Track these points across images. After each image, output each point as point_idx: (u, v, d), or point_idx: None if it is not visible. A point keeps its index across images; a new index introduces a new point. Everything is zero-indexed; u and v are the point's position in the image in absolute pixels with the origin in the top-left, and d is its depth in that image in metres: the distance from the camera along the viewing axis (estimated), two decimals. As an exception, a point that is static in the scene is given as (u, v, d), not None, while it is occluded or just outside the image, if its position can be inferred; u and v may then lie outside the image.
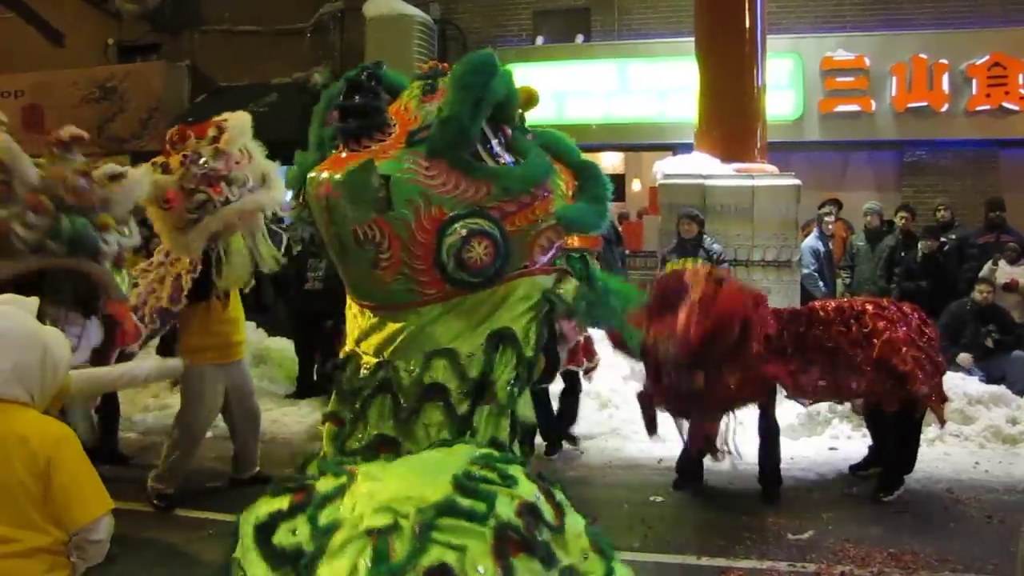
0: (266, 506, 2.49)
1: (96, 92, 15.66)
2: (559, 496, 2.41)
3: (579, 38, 13.79)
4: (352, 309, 2.98)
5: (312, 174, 2.81)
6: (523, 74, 13.47)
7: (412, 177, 2.68)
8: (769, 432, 6.83)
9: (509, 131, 2.90)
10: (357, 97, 2.87)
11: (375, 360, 2.81)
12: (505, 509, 2.22)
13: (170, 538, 6.03)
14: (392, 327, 2.79)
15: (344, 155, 2.79)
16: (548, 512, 2.32)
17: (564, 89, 13.37)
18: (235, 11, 15.33)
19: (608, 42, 13.60)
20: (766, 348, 6.30)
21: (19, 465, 2.82)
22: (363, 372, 2.81)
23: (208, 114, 14.52)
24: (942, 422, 7.06)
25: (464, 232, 2.71)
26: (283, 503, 2.46)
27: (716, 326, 5.93)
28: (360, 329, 2.90)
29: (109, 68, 16.03)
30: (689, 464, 6.96)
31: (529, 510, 2.26)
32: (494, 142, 2.84)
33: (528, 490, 2.33)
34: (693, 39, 9.83)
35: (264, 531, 2.46)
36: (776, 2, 11.61)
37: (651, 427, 6.81)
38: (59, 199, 5.22)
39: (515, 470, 2.38)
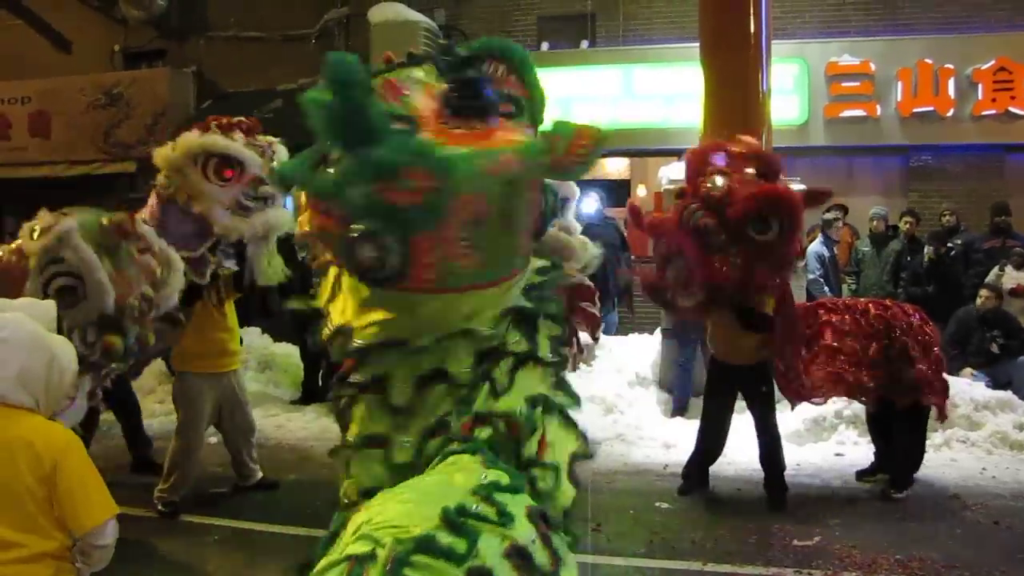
0: None
1: (102, 98, 15.70)
2: (557, 542, 2.37)
3: (584, 44, 13.80)
4: (349, 291, 2.84)
5: (462, 151, 2.60)
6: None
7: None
8: (770, 438, 6.81)
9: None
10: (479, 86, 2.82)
11: (382, 336, 2.74)
12: (491, 550, 2.17)
13: (174, 544, 6.03)
14: (435, 306, 2.69)
15: (480, 128, 2.73)
16: (542, 558, 2.28)
17: (569, 95, 13.36)
18: (241, 17, 15.36)
19: (613, 48, 13.60)
20: None
21: (25, 469, 2.84)
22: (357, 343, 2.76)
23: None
24: (943, 417, 7.04)
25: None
26: None
27: (761, 203, 5.97)
28: (367, 309, 2.77)
29: (115, 74, 16.05)
30: (695, 470, 6.97)
31: (519, 554, 2.21)
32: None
33: (524, 532, 2.28)
34: (698, 44, 9.81)
35: None
36: (781, 7, 11.59)
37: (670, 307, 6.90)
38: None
39: (516, 506, 2.33)
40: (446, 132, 2.71)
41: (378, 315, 2.75)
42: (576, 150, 2.60)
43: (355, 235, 2.53)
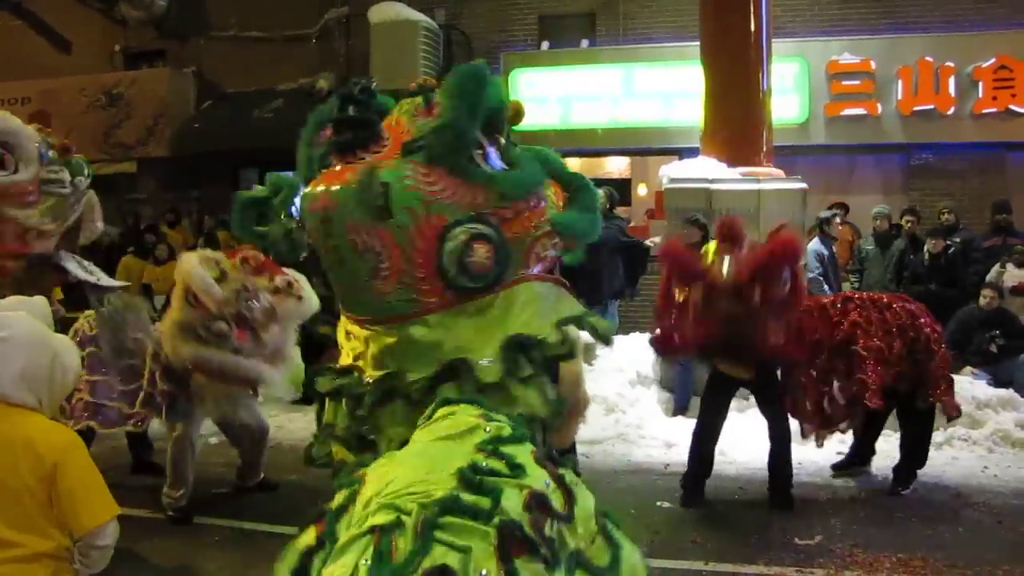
0: (295, 549, 2.46)
1: (103, 99, 15.72)
2: (569, 478, 2.38)
3: (584, 43, 13.79)
4: (344, 327, 3.00)
5: (307, 190, 2.84)
6: (528, 79, 13.56)
7: (411, 184, 2.71)
8: (781, 436, 6.78)
9: (502, 140, 2.93)
10: (350, 110, 2.87)
11: (379, 373, 2.82)
12: (512, 503, 2.18)
13: (175, 545, 6.03)
14: (391, 339, 2.81)
15: (339, 168, 2.81)
16: (558, 500, 2.29)
17: (569, 94, 13.38)
18: (241, 17, 15.35)
19: (613, 47, 13.59)
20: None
21: (25, 469, 2.84)
22: (366, 384, 2.83)
23: (214, 120, 14.57)
24: (954, 411, 6.92)
25: (464, 237, 2.74)
26: (310, 538, 2.44)
27: (766, 263, 6.05)
28: (355, 347, 2.92)
29: (116, 75, 16.08)
30: (692, 483, 6.86)
31: (538, 501, 2.22)
32: (490, 150, 2.86)
33: (537, 478, 2.28)
34: (698, 43, 9.82)
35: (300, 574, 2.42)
36: (781, 6, 11.58)
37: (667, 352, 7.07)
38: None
39: (523, 455, 2.33)
40: (328, 171, 2.89)
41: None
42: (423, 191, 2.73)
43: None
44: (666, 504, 6.76)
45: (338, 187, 2.75)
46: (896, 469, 7.15)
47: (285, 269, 6.10)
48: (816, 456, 7.84)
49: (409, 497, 2.19)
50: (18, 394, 2.93)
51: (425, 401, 2.71)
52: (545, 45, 13.94)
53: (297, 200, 3.00)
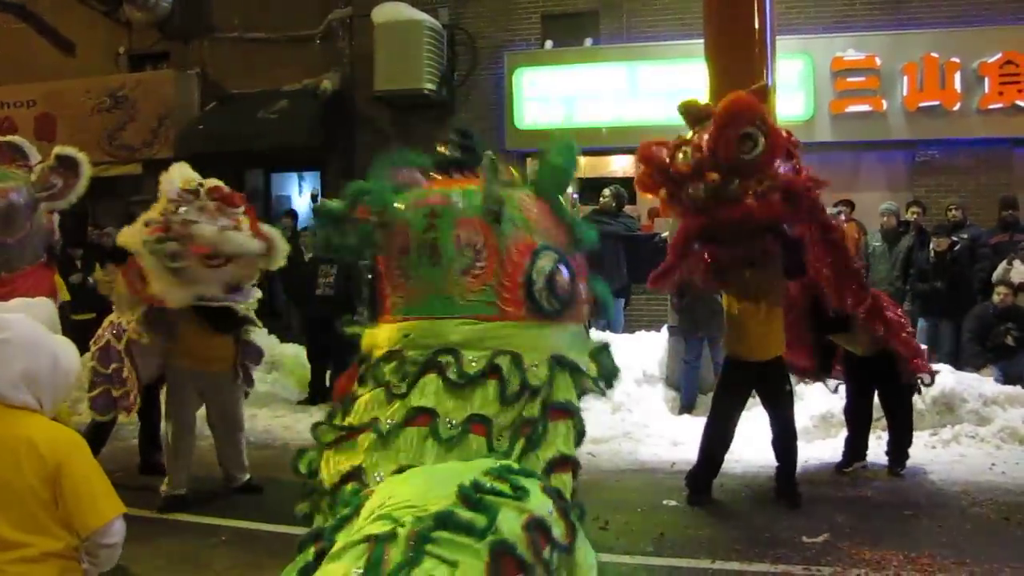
0: (295, 567, 2.47)
1: (107, 101, 15.73)
2: (573, 517, 2.39)
3: (588, 41, 13.76)
4: (383, 332, 3.25)
5: (410, 192, 3.32)
6: (532, 78, 13.54)
7: (519, 206, 3.20)
8: (786, 433, 6.79)
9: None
10: (467, 140, 3.51)
11: (429, 351, 3.05)
12: (510, 524, 2.17)
13: (180, 544, 6.03)
14: (455, 328, 3.08)
15: (446, 180, 3.37)
16: (559, 530, 2.29)
17: (573, 93, 13.36)
18: (244, 18, 15.35)
19: (617, 45, 13.55)
20: None
21: (28, 470, 2.83)
22: (411, 362, 3.06)
23: (219, 121, 14.60)
24: (927, 375, 7.41)
25: (555, 259, 3.17)
26: (309, 555, 2.45)
27: (726, 118, 6.03)
28: (404, 333, 3.15)
29: (120, 77, 16.08)
30: (698, 482, 6.85)
31: (537, 525, 2.22)
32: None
33: (540, 504, 2.29)
34: (702, 41, 9.78)
35: None
36: (786, 3, 11.55)
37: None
38: None
39: (531, 483, 2.35)
40: (434, 181, 3.44)
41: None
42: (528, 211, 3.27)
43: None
44: (672, 502, 6.76)
45: (450, 191, 3.26)
46: (888, 452, 7.50)
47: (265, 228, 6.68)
48: (823, 454, 7.85)
49: (407, 509, 2.20)
50: (18, 395, 2.93)
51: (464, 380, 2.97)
52: (549, 44, 13.91)
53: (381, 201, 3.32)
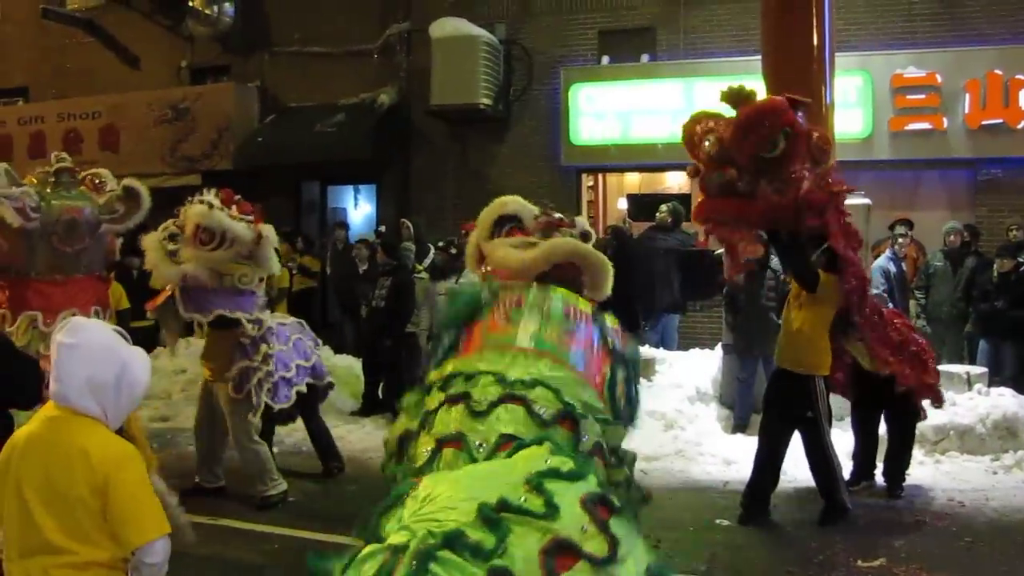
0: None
1: (169, 113, 16.01)
2: (617, 527, 2.34)
3: (645, 57, 13.74)
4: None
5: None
6: (588, 94, 13.54)
7: None
8: (813, 453, 6.68)
9: None
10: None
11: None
12: (525, 547, 2.16)
13: (234, 552, 6.10)
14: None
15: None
16: (595, 545, 2.25)
17: (629, 109, 13.33)
18: (304, 33, 15.56)
19: (674, 61, 13.51)
20: None
21: (80, 479, 2.86)
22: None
23: (277, 134, 14.82)
24: (938, 400, 7.50)
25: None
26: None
27: (746, 121, 6.08)
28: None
29: (182, 90, 16.38)
30: (752, 501, 6.76)
31: (560, 547, 2.19)
32: None
33: (571, 523, 2.25)
34: (759, 57, 9.72)
35: None
36: (845, 19, 11.44)
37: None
38: None
39: (567, 495, 2.31)
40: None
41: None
42: None
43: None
44: (725, 522, 6.69)
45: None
46: (886, 474, 7.40)
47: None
48: (878, 477, 7.70)
49: (427, 523, 2.20)
50: (82, 402, 2.95)
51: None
52: (605, 60, 13.91)
53: None
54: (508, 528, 2.18)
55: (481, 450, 2.91)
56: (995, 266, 10.03)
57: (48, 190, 6.67)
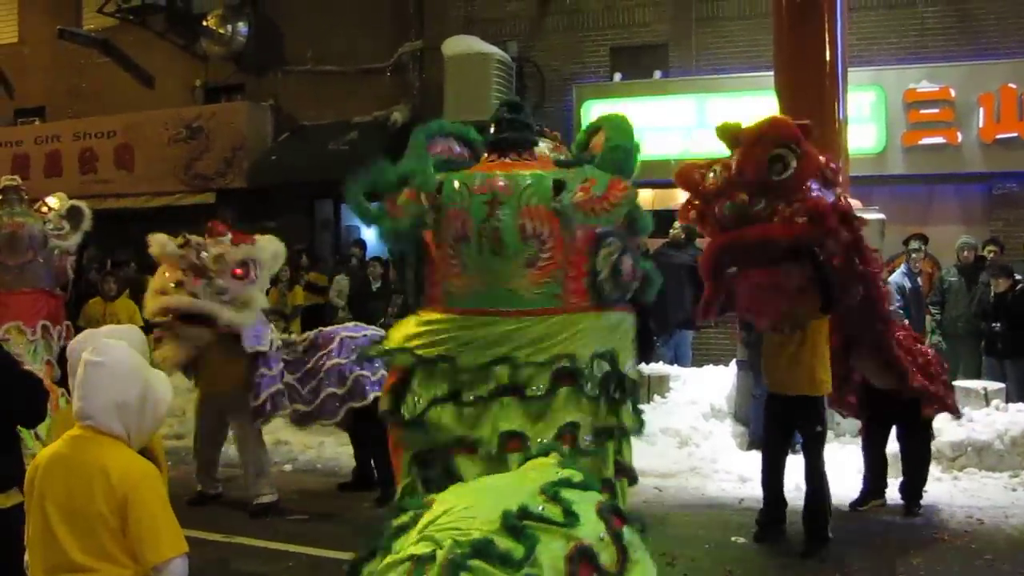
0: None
1: (183, 132, 16.10)
2: (628, 538, 2.34)
3: (657, 74, 13.75)
4: (438, 318, 3.20)
5: (468, 176, 3.20)
6: (601, 110, 13.49)
7: (579, 187, 3.13)
8: (812, 473, 6.46)
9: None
10: (513, 114, 3.36)
11: (484, 359, 3.08)
12: (551, 555, 2.15)
13: (249, 571, 6.08)
14: (522, 329, 3.07)
15: (507, 161, 3.24)
16: (608, 557, 2.25)
17: (642, 125, 13.18)
18: (317, 51, 15.65)
19: (686, 77, 13.54)
20: None
21: (99, 498, 2.88)
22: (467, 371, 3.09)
23: (290, 152, 14.87)
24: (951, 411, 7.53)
25: (619, 246, 3.15)
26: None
27: (756, 134, 6.04)
28: (456, 335, 3.14)
29: (196, 108, 16.48)
30: (767, 521, 6.68)
31: (582, 555, 2.19)
32: None
33: (590, 531, 2.25)
34: (771, 73, 9.73)
35: None
36: (857, 34, 11.43)
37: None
38: None
39: (584, 504, 2.32)
40: (491, 163, 3.30)
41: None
42: (607, 199, 3.13)
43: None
44: (741, 539, 6.64)
45: (514, 176, 3.14)
46: (901, 491, 7.30)
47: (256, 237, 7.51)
48: (895, 493, 7.64)
49: (450, 532, 2.19)
50: (107, 422, 2.97)
51: (531, 390, 3.02)
52: (617, 76, 13.93)
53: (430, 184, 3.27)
54: (536, 536, 2.18)
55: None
56: (991, 285, 9.91)
57: None
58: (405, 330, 3.29)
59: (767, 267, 6.11)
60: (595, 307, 3.13)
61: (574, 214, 3.05)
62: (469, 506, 2.32)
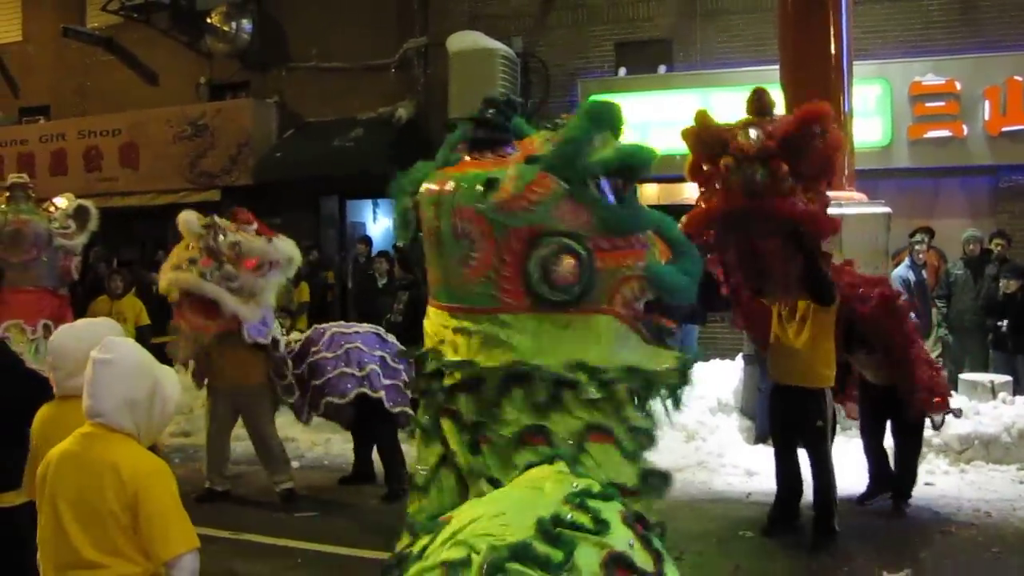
0: None
1: (188, 129, 16.10)
2: (657, 544, 2.35)
3: (661, 68, 13.74)
4: (430, 313, 3.31)
5: (435, 174, 3.27)
6: (605, 105, 13.52)
7: (519, 188, 3.01)
8: (816, 467, 6.46)
9: (622, 184, 3.17)
10: (490, 113, 3.29)
11: (457, 358, 3.12)
12: (588, 560, 2.15)
13: (258, 568, 6.09)
14: (472, 327, 3.09)
15: (467, 160, 3.25)
16: (643, 559, 2.25)
17: (647, 120, 13.31)
18: (322, 48, 15.65)
19: (690, 72, 13.51)
20: None
21: (110, 495, 2.89)
22: (434, 367, 3.19)
23: (295, 149, 14.85)
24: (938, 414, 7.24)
25: (555, 247, 2.99)
26: None
27: (796, 130, 5.96)
28: (437, 332, 3.24)
29: (201, 106, 16.48)
30: (779, 514, 6.68)
31: (616, 561, 2.19)
32: (606, 184, 3.11)
33: (621, 538, 2.25)
34: (776, 67, 9.71)
35: None
36: (862, 27, 11.40)
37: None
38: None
39: (610, 512, 2.31)
40: (460, 162, 3.30)
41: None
42: (527, 194, 3.01)
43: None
44: (748, 533, 6.64)
45: (456, 175, 3.14)
46: (894, 487, 7.22)
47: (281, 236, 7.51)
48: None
49: (483, 537, 2.18)
50: (117, 418, 2.99)
51: (491, 394, 3.02)
52: (622, 71, 13.92)
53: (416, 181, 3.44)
54: (574, 542, 2.17)
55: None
56: (1000, 285, 9.88)
57: (2, 205, 7.10)
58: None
59: (769, 238, 6.20)
60: (532, 308, 3.04)
61: (494, 214, 3.00)
62: (499, 512, 2.32)
